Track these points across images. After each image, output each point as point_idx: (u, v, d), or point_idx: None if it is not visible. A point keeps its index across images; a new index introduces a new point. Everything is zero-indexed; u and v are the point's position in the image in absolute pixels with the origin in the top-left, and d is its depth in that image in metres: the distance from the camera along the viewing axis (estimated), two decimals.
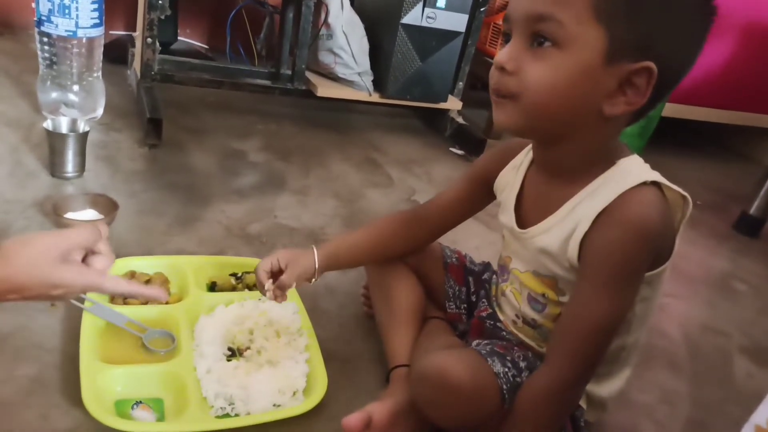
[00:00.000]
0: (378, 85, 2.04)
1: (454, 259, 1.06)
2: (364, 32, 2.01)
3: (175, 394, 0.87)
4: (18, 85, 1.84)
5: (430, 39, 1.96)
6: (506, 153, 0.92)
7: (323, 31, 1.96)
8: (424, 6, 1.89)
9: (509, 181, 0.90)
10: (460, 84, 2.21)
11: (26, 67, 1.93)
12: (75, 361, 0.87)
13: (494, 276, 1.02)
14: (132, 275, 1.06)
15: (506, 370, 0.81)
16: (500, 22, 0.71)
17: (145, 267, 1.09)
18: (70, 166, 1.39)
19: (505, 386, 0.79)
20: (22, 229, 1.17)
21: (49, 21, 1.53)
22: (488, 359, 0.81)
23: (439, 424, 0.83)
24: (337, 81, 2.03)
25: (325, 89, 1.99)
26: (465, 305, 1.05)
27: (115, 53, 2.06)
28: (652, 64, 0.68)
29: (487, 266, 1.08)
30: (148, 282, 1.06)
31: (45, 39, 1.57)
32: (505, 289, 0.93)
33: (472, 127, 2.19)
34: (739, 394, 1.18)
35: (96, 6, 1.58)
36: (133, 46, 2.06)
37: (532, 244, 0.83)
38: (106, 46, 1.70)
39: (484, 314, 0.98)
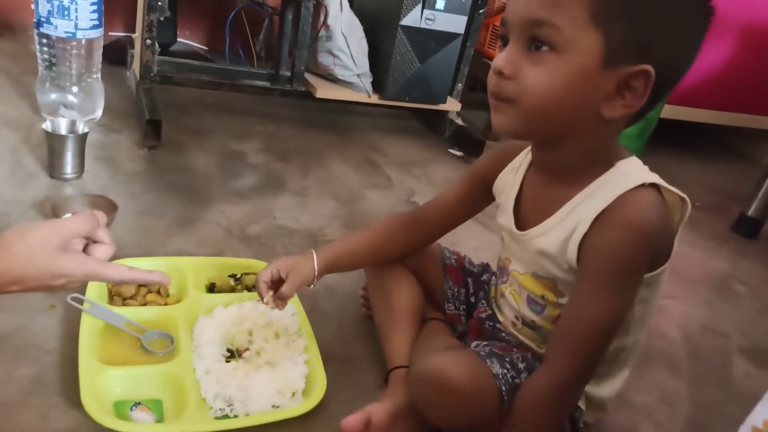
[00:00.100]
0: (377, 86, 2.04)
1: (453, 261, 1.06)
2: (363, 34, 2.01)
3: (174, 395, 0.87)
4: (17, 86, 1.84)
5: (429, 40, 1.96)
6: (505, 154, 0.92)
7: (322, 32, 1.97)
8: (423, 8, 1.90)
9: (508, 182, 0.90)
10: (459, 85, 2.21)
11: (25, 68, 1.93)
12: (74, 361, 0.87)
13: (493, 277, 1.02)
14: None
15: (505, 371, 0.81)
16: (499, 24, 0.71)
17: (144, 268, 1.07)
18: (69, 167, 1.39)
19: (504, 387, 0.79)
20: None
21: (49, 22, 1.53)
22: (487, 360, 0.81)
23: (438, 425, 0.83)
24: (336, 82, 2.04)
25: (324, 90, 1.99)
26: (464, 306, 1.05)
27: (115, 54, 2.06)
28: (649, 68, 0.68)
29: (486, 267, 1.08)
30: (146, 284, 1.06)
31: (44, 40, 1.57)
32: (505, 290, 0.93)
33: (471, 129, 2.20)
34: (738, 395, 1.18)
35: (95, 7, 1.58)
36: (133, 47, 2.06)
37: (531, 245, 0.83)
38: (105, 47, 1.70)
39: (483, 315, 0.98)
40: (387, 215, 1.53)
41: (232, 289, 1.12)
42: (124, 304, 1.02)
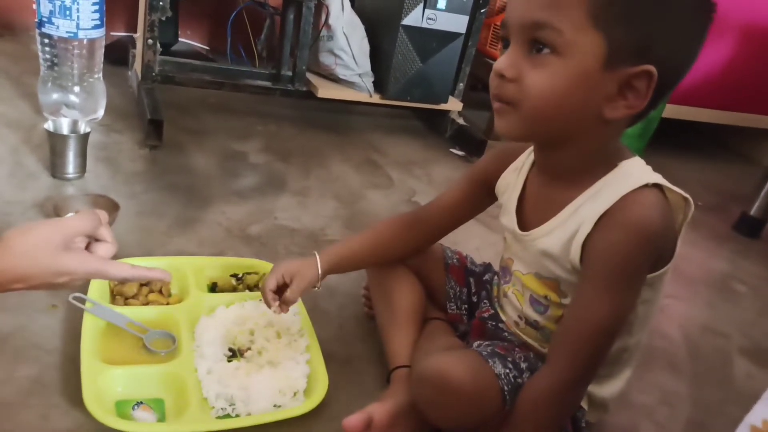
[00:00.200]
0: (378, 86, 2.04)
1: (455, 260, 1.06)
2: (364, 33, 2.01)
3: (175, 395, 0.87)
4: (19, 86, 1.84)
5: (430, 40, 1.96)
6: (507, 155, 0.92)
7: (324, 32, 1.97)
8: (424, 7, 1.90)
9: (510, 183, 0.90)
10: (461, 85, 2.21)
11: (27, 69, 1.93)
12: (75, 361, 0.87)
13: (495, 277, 1.02)
14: None
15: (507, 371, 0.81)
16: (500, 23, 0.71)
17: None
18: (70, 167, 1.39)
19: (506, 387, 0.79)
20: None
21: (50, 22, 1.54)
22: (489, 360, 0.81)
23: (440, 425, 0.83)
24: (337, 82, 2.04)
25: (325, 90, 1.99)
26: (466, 306, 1.05)
27: (116, 54, 2.06)
28: (652, 68, 0.68)
29: (488, 267, 1.08)
30: (148, 283, 1.06)
31: (46, 40, 1.57)
32: (507, 290, 0.93)
33: (472, 128, 2.20)
34: (738, 395, 1.18)
35: (97, 7, 1.58)
36: (134, 47, 2.06)
37: (534, 246, 0.83)
38: (107, 47, 1.71)
39: (485, 315, 0.98)
40: (388, 215, 1.54)
41: (234, 289, 1.13)
42: (126, 304, 1.02)
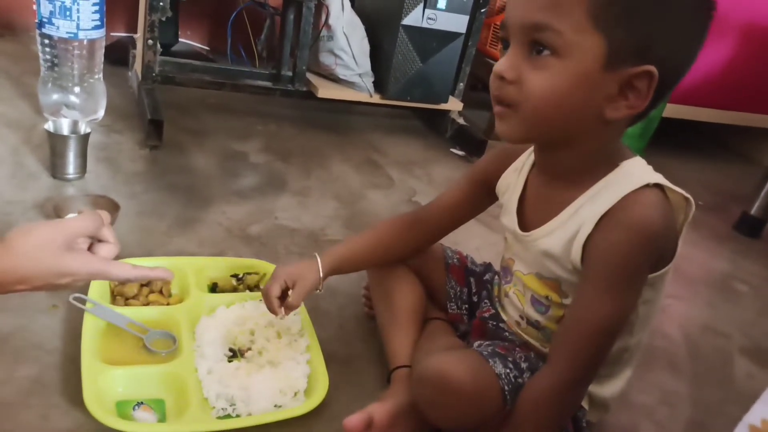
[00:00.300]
0: (378, 86, 2.04)
1: (455, 260, 1.06)
2: (364, 33, 2.01)
3: (176, 395, 0.87)
4: (19, 86, 1.84)
5: (430, 40, 1.96)
6: (507, 155, 0.92)
7: (324, 32, 1.97)
8: (424, 7, 1.90)
9: (511, 183, 0.90)
10: (461, 85, 2.21)
11: (27, 69, 1.93)
12: (76, 361, 0.87)
13: (496, 277, 1.02)
14: None
15: (508, 371, 0.80)
16: (500, 24, 0.71)
17: None
18: (71, 167, 1.39)
19: (506, 387, 0.79)
20: None
21: (51, 23, 1.54)
22: (489, 360, 0.81)
23: (440, 425, 0.83)
24: (337, 82, 2.04)
25: (325, 90, 1.99)
26: (466, 306, 1.05)
27: (116, 55, 2.06)
28: (652, 68, 0.68)
29: (488, 267, 1.08)
30: (149, 283, 1.06)
31: (46, 41, 1.57)
32: (508, 290, 0.93)
33: (472, 128, 2.20)
34: (739, 395, 1.18)
35: (97, 8, 1.58)
36: (134, 47, 2.06)
37: (535, 246, 0.83)
38: (107, 47, 1.71)
39: (486, 315, 0.98)
40: (388, 215, 1.54)
41: (234, 289, 1.13)
42: (126, 304, 1.02)
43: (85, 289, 0.98)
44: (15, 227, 0.70)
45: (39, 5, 1.53)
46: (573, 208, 0.78)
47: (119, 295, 1.03)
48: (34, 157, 1.46)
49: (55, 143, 1.37)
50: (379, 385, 0.98)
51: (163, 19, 1.72)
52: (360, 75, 2.00)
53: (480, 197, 0.97)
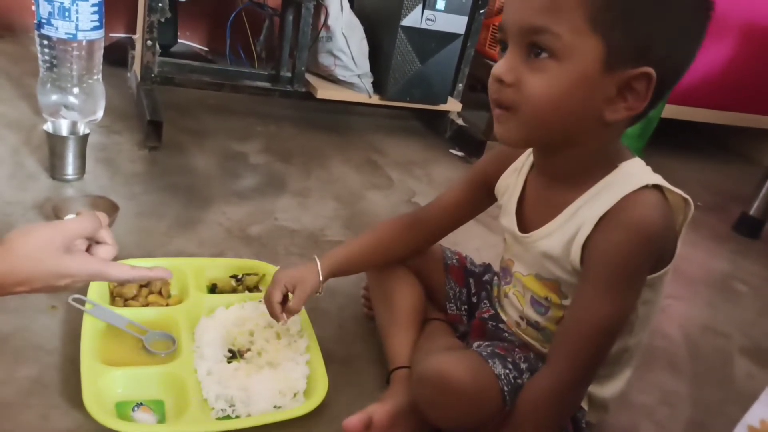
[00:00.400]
0: (378, 87, 2.05)
1: (454, 261, 1.06)
2: (363, 34, 2.02)
3: (175, 396, 0.87)
4: (18, 87, 1.84)
5: (429, 41, 1.96)
6: (506, 156, 0.92)
7: (323, 33, 1.97)
8: (423, 8, 1.90)
9: (510, 184, 0.90)
10: (460, 86, 2.21)
11: (26, 70, 1.93)
12: (75, 362, 0.87)
13: (495, 277, 1.02)
14: None
15: (507, 371, 0.80)
16: (498, 26, 0.71)
17: None
18: (70, 168, 1.39)
19: (506, 388, 0.79)
20: None
21: (50, 24, 1.54)
22: (489, 361, 0.81)
23: (440, 425, 0.83)
24: (336, 83, 2.04)
25: (324, 91, 1.99)
26: (466, 306, 1.05)
27: (116, 56, 2.06)
28: (651, 70, 0.68)
29: (487, 268, 1.08)
30: (148, 284, 1.06)
31: (45, 42, 1.57)
32: (508, 291, 0.93)
33: (471, 129, 2.20)
34: (739, 395, 1.18)
35: (96, 9, 1.58)
36: (133, 48, 2.06)
37: (535, 248, 0.83)
38: (106, 48, 1.71)
39: (486, 315, 0.98)
40: (388, 215, 1.55)
41: (234, 290, 1.13)
42: (125, 305, 1.02)
43: (84, 290, 0.98)
44: (14, 229, 0.70)
45: (38, 6, 1.53)
46: (572, 209, 0.78)
47: (118, 296, 1.03)
48: (33, 158, 1.46)
49: (54, 144, 1.37)
50: (379, 386, 0.98)
51: (162, 19, 1.72)
52: (359, 76, 2.00)
53: (479, 198, 0.97)
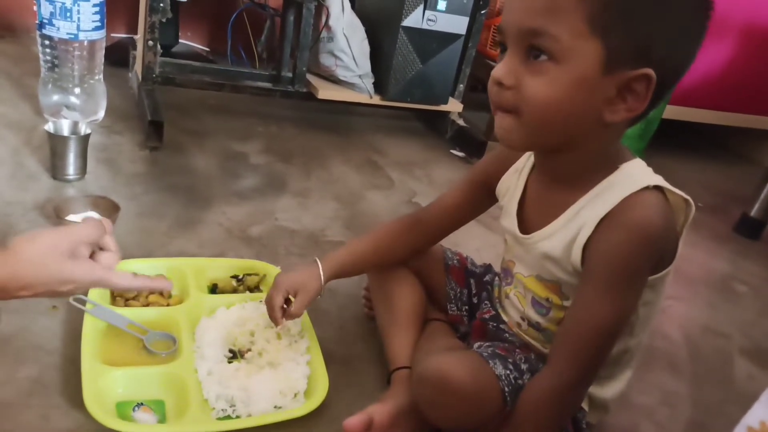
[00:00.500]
0: (379, 87, 2.05)
1: (455, 261, 1.06)
2: (364, 35, 2.02)
3: (176, 396, 0.87)
4: (19, 87, 1.85)
5: (430, 41, 1.96)
6: (507, 156, 0.92)
7: (324, 33, 1.97)
8: (424, 9, 1.90)
9: (511, 185, 0.90)
10: (461, 86, 2.21)
11: (28, 70, 1.94)
12: (76, 362, 0.87)
13: (496, 278, 1.02)
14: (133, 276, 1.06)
15: (508, 372, 0.81)
16: (497, 28, 0.70)
17: (146, 269, 1.08)
18: (71, 168, 1.39)
19: (506, 388, 0.79)
20: (23, 232, 1.17)
21: (51, 24, 1.54)
22: (489, 361, 0.81)
23: (440, 425, 0.83)
24: (337, 83, 2.04)
25: (325, 91, 1.99)
26: (466, 307, 1.05)
27: (117, 56, 2.06)
28: (650, 71, 0.68)
29: (488, 268, 1.08)
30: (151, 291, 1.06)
31: (47, 42, 1.57)
32: (509, 292, 0.93)
33: (472, 129, 2.20)
34: (739, 396, 1.18)
35: (97, 9, 1.58)
36: (135, 48, 2.07)
37: (536, 249, 0.83)
38: (107, 48, 1.71)
39: (487, 316, 0.98)
40: (388, 216, 1.55)
41: (234, 290, 1.13)
42: (126, 305, 1.02)
43: (85, 290, 0.98)
44: (14, 229, 0.71)
45: (39, 6, 1.53)
46: (573, 210, 0.78)
47: (119, 296, 1.03)
48: (34, 158, 1.46)
49: (56, 144, 1.37)
50: (380, 386, 0.98)
51: (164, 20, 1.72)
52: (360, 76, 2.00)
53: (480, 198, 0.97)
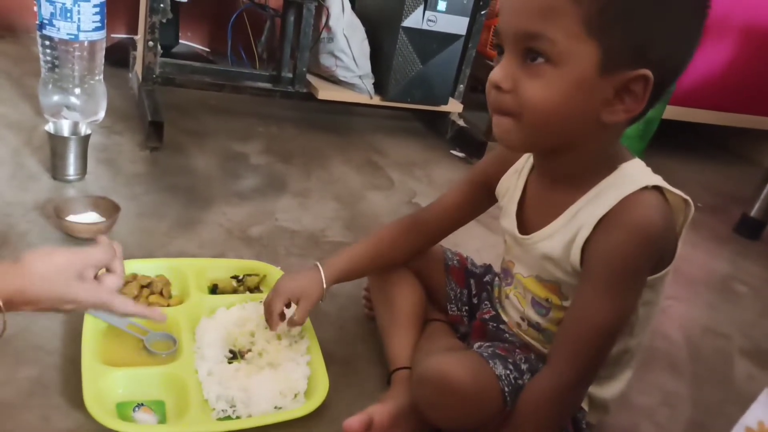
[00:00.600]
0: (379, 87, 2.05)
1: (455, 262, 1.07)
2: (365, 35, 2.02)
3: (176, 397, 0.87)
4: (20, 88, 1.85)
5: (430, 42, 1.97)
6: (507, 157, 0.92)
7: (324, 34, 1.97)
8: (424, 9, 1.90)
9: (510, 186, 0.90)
10: (461, 87, 2.22)
11: (28, 70, 1.94)
12: (76, 363, 0.87)
13: (496, 278, 1.02)
14: (134, 278, 1.06)
15: (508, 372, 0.81)
16: (494, 31, 0.70)
17: (146, 270, 1.09)
18: (71, 168, 1.39)
19: (506, 388, 0.79)
20: (23, 232, 1.17)
21: (51, 24, 1.54)
22: (490, 361, 0.81)
23: (441, 426, 0.83)
24: (338, 84, 2.04)
25: (326, 92, 1.99)
26: (466, 307, 1.05)
27: (117, 56, 2.06)
28: (648, 72, 0.68)
29: (488, 268, 1.08)
30: (149, 284, 1.06)
31: (47, 42, 1.57)
32: (509, 292, 0.93)
33: (472, 130, 2.20)
34: (739, 396, 1.18)
35: (98, 9, 1.58)
36: (135, 49, 2.07)
37: (535, 249, 0.83)
38: (107, 49, 1.71)
39: (487, 316, 0.98)
40: (389, 216, 1.55)
41: (235, 291, 1.13)
42: None
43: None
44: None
45: (40, 7, 1.54)
46: (572, 210, 0.79)
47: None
48: (34, 159, 1.46)
49: (56, 144, 1.37)
50: (380, 387, 0.98)
51: (164, 20, 1.72)
52: (360, 77, 2.00)
53: (480, 199, 0.97)
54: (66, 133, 1.40)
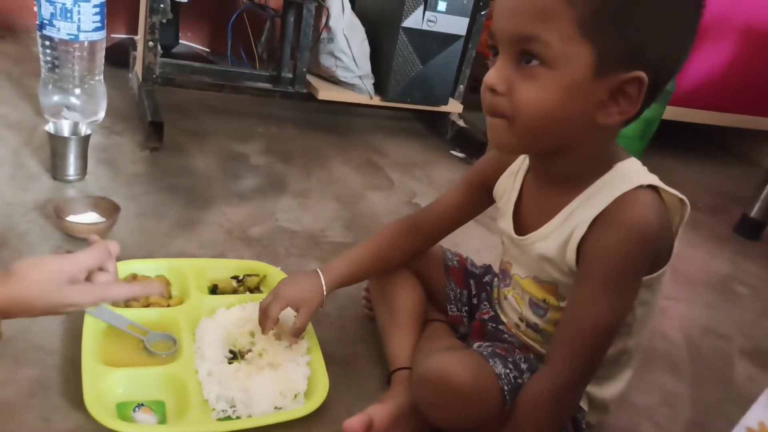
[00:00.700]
0: (379, 88, 2.05)
1: (455, 262, 1.07)
2: (365, 35, 2.02)
3: (176, 397, 0.87)
4: (20, 88, 1.85)
5: (430, 42, 1.97)
6: (504, 158, 0.92)
7: (324, 34, 1.97)
8: (424, 9, 1.90)
9: (507, 187, 0.90)
10: (461, 87, 2.22)
11: (28, 71, 1.94)
12: (76, 363, 0.87)
13: (496, 279, 1.02)
14: (134, 278, 1.06)
15: (508, 371, 0.81)
16: (489, 32, 0.70)
17: (146, 270, 1.09)
18: (71, 169, 1.39)
19: (506, 387, 0.79)
20: (23, 233, 1.17)
21: (51, 24, 1.54)
22: (489, 360, 0.81)
23: (441, 425, 0.83)
24: (338, 84, 2.04)
25: (326, 92, 1.99)
26: (466, 308, 1.05)
27: (117, 56, 2.06)
28: (642, 74, 0.68)
29: (488, 269, 1.08)
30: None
31: (47, 42, 1.58)
32: (507, 293, 0.93)
33: (472, 130, 2.20)
34: (739, 396, 1.18)
35: (98, 10, 1.58)
36: (135, 49, 2.07)
37: (532, 250, 0.83)
38: (107, 49, 1.71)
39: (486, 317, 0.98)
40: (389, 216, 1.55)
41: (235, 291, 1.13)
42: (126, 306, 1.01)
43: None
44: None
45: (40, 7, 1.54)
46: (568, 211, 0.79)
47: None
48: (34, 159, 1.46)
49: (56, 145, 1.37)
50: (380, 387, 0.98)
51: (164, 21, 1.72)
52: (360, 77, 2.00)
53: (479, 199, 0.97)
54: (66, 133, 1.40)
